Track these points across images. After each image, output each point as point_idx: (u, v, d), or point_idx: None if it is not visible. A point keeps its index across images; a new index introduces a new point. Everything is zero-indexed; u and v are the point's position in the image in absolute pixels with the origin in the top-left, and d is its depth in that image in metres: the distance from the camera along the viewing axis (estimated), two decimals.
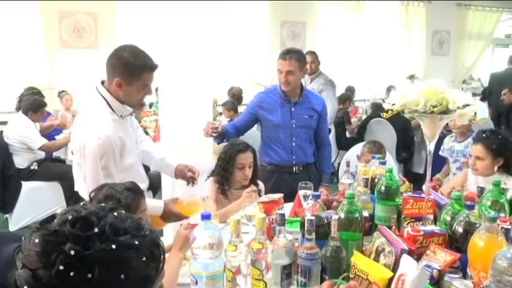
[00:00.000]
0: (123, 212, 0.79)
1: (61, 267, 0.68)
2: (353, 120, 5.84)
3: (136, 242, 0.74)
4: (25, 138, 3.96)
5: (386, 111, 4.87)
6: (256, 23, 6.67)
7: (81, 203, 0.82)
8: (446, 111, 1.43)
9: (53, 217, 0.76)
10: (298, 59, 2.58)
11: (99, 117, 1.84)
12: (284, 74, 2.56)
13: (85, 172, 1.83)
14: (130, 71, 1.81)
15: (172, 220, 1.95)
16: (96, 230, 0.72)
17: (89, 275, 0.68)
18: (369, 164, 2.14)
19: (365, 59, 7.61)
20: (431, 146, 1.55)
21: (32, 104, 4.13)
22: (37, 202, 4.00)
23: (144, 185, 2.01)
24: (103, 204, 0.85)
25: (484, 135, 2.47)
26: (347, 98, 6.03)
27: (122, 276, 0.71)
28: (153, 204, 1.87)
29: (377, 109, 5.64)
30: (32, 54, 5.59)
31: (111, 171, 1.82)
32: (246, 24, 6.59)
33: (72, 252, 0.69)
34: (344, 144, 5.27)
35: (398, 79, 7.70)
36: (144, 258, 0.74)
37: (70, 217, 0.73)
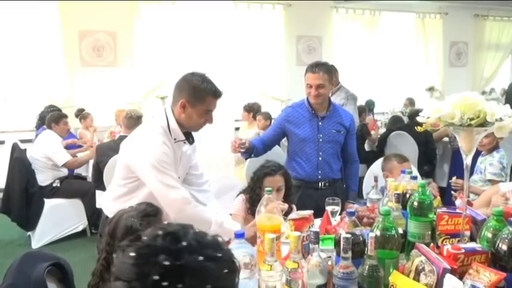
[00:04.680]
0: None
1: (156, 277, 0.73)
2: (372, 133, 5.76)
3: (220, 255, 0.80)
4: (52, 153, 3.99)
5: (421, 125, 4.75)
6: (272, 38, 6.71)
7: (165, 223, 0.88)
8: (483, 124, 1.39)
9: (138, 237, 0.81)
10: (327, 72, 2.55)
11: (151, 135, 1.91)
12: (314, 87, 2.53)
13: (150, 188, 1.88)
14: (196, 93, 1.89)
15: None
16: (184, 243, 0.78)
17: (180, 285, 0.74)
18: (399, 178, 2.09)
19: (382, 72, 7.58)
20: (468, 160, 1.50)
21: (52, 116, 4.27)
22: (59, 219, 4.01)
23: None
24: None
25: None
26: (361, 110, 5.92)
27: (208, 286, 0.76)
28: (229, 229, 1.74)
29: (396, 122, 5.57)
30: (53, 73, 5.71)
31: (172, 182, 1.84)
32: (262, 39, 6.64)
33: (167, 263, 0.74)
34: (363, 158, 5.18)
35: (417, 91, 7.64)
36: (225, 270, 0.80)
37: (160, 232, 0.80)
